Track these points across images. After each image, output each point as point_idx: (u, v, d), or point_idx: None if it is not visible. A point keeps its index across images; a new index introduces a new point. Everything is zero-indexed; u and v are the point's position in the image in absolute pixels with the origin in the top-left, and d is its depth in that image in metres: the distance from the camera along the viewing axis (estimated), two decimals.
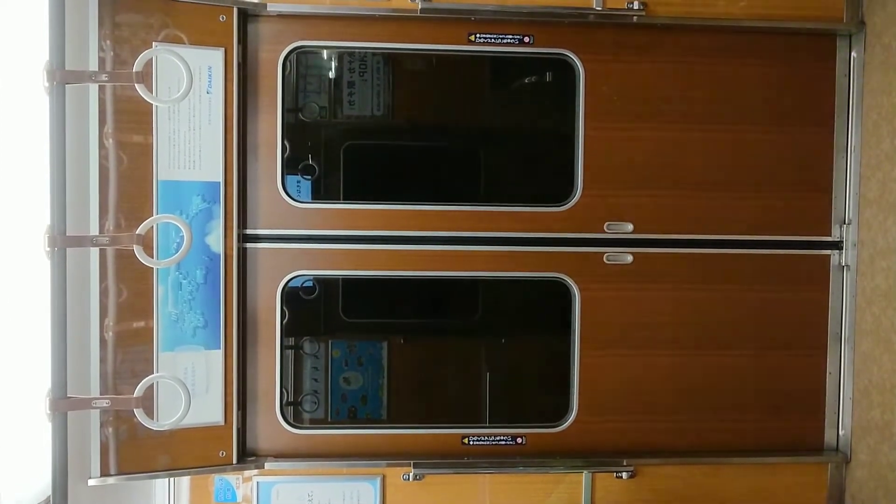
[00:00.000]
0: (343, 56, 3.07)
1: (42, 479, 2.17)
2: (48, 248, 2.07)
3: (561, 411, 2.76)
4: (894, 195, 2.57)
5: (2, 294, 2.05)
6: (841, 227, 2.78)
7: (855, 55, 2.75)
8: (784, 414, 2.79)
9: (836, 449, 2.79)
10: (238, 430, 2.57)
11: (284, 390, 2.71)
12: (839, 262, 2.78)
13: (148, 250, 2.33)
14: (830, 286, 2.79)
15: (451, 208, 2.71)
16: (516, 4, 2.62)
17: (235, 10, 2.50)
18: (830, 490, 2.77)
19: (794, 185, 2.77)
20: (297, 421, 2.82)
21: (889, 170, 2.60)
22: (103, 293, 2.38)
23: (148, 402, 2.36)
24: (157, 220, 2.36)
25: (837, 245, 2.78)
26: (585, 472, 2.70)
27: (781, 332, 2.79)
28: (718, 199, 2.75)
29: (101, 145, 2.36)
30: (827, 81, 2.77)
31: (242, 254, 2.60)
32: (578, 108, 2.71)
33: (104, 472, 2.40)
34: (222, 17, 2.49)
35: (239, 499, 2.67)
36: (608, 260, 2.72)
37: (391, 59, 3.14)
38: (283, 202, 2.63)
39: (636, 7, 2.63)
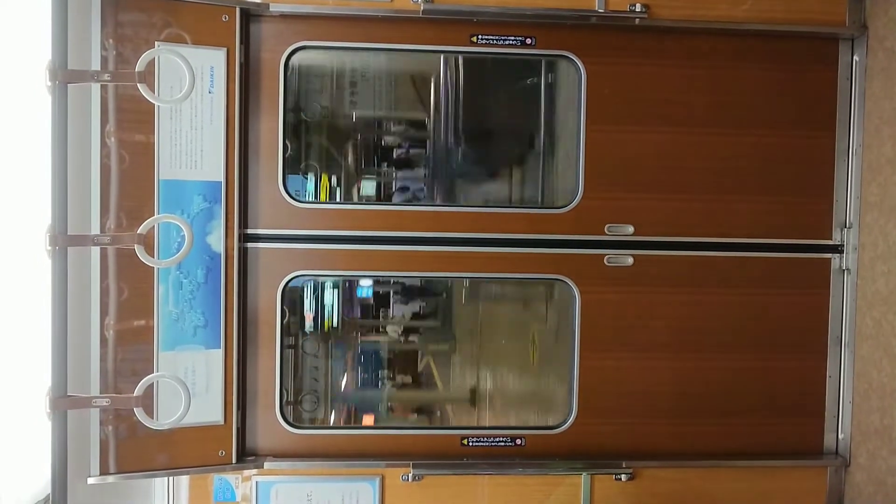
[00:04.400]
0: (346, 56, 3.08)
1: (42, 477, 2.17)
2: (49, 248, 2.07)
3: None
4: (895, 199, 2.57)
5: (2, 292, 2.06)
6: (842, 231, 2.78)
7: (857, 59, 2.74)
8: (784, 417, 2.79)
9: (836, 453, 2.79)
10: (238, 429, 2.57)
11: (284, 390, 2.72)
12: (840, 266, 2.78)
13: (149, 249, 2.33)
14: (831, 290, 2.79)
15: (452, 209, 2.72)
16: (518, 6, 2.62)
17: (238, 11, 2.50)
18: (829, 494, 2.77)
19: (796, 188, 2.77)
20: (296, 421, 2.82)
21: (890, 174, 2.60)
22: (104, 292, 2.39)
23: (148, 402, 2.37)
24: (159, 219, 2.36)
25: (838, 249, 2.78)
26: (584, 474, 2.70)
27: (782, 335, 2.79)
28: (720, 201, 2.75)
29: (103, 144, 2.37)
30: (829, 85, 2.77)
31: (243, 253, 2.60)
32: (580, 109, 2.71)
33: (104, 471, 2.41)
34: (225, 17, 2.49)
35: (238, 498, 2.67)
36: (609, 262, 2.72)
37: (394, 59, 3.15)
38: (283, 202, 2.63)
39: (638, 10, 2.63)
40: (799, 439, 2.80)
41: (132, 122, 2.42)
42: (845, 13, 2.72)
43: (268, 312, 2.63)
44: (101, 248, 2.34)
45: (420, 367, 3.55)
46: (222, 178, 2.51)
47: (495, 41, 2.67)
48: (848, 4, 2.71)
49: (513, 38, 2.67)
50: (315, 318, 3.22)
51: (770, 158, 2.76)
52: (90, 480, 2.39)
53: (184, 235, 2.31)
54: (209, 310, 2.51)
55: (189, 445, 2.50)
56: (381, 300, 3.46)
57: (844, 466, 2.77)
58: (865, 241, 2.71)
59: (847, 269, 2.77)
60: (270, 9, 2.54)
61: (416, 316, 3.49)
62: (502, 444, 2.73)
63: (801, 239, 2.78)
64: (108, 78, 2.22)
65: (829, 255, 2.79)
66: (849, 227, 2.76)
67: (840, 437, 2.79)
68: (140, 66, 2.18)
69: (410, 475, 2.64)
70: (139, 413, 2.27)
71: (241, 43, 2.52)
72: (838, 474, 2.78)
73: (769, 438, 2.79)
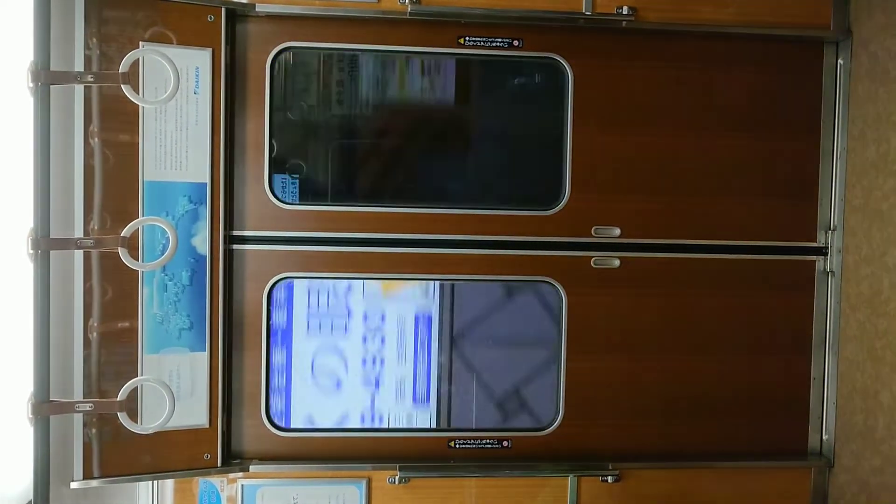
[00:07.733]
0: (332, 56, 3.05)
1: (23, 483, 2.15)
2: (31, 251, 2.05)
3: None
4: (879, 202, 2.59)
5: None
6: (826, 234, 2.80)
7: (841, 63, 2.76)
8: (769, 419, 2.81)
9: (820, 454, 2.82)
10: (223, 432, 2.55)
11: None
12: (824, 268, 2.80)
13: (133, 252, 2.31)
14: (815, 292, 2.81)
15: (439, 211, 2.70)
16: (506, 8, 2.62)
17: (224, 11, 2.48)
18: (814, 494, 2.79)
19: (781, 190, 2.79)
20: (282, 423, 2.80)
21: (874, 177, 2.62)
22: (87, 293, 2.36)
23: (132, 405, 2.35)
24: (143, 222, 2.34)
25: (822, 251, 2.80)
26: (571, 475, 2.70)
27: (767, 337, 2.81)
28: (705, 204, 2.76)
29: (87, 145, 2.34)
30: (814, 88, 2.79)
31: (229, 255, 2.58)
32: (567, 111, 2.71)
33: (87, 475, 2.38)
34: (210, 17, 2.47)
35: (223, 501, 2.65)
36: (595, 264, 2.73)
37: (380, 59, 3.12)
38: (270, 203, 2.62)
39: (625, 12, 2.63)
40: (784, 440, 2.82)
41: (116, 122, 2.39)
42: (830, 17, 2.73)
43: (254, 315, 2.62)
44: (84, 251, 2.31)
45: None
46: (208, 180, 2.49)
47: (482, 43, 2.66)
48: (833, 8, 2.72)
49: (500, 39, 2.67)
50: None
51: (755, 161, 2.77)
52: (73, 485, 2.36)
53: (168, 237, 2.29)
54: (194, 312, 2.49)
55: (174, 448, 2.49)
56: None
57: (828, 467, 2.79)
58: (849, 244, 2.73)
59: (831, 272, 2.79)
60: (256, 9, 2.52)
61: None
62: (489, 445, 2.73)
63: (785, 241, 2.80)
64: (92, 79, 2.19)
65: (813, 258, 2.81)
66: (833, 230, 2.78)
67: (824, 438, 2.81)
68: (124, 67, 2.15)
69: (397, 477, 2.64)
70: (123, 417, 2.25)
71: (226, 43, 2.50)
72: (822, 475, 2.80)
73: (754, 439, 2.80)
